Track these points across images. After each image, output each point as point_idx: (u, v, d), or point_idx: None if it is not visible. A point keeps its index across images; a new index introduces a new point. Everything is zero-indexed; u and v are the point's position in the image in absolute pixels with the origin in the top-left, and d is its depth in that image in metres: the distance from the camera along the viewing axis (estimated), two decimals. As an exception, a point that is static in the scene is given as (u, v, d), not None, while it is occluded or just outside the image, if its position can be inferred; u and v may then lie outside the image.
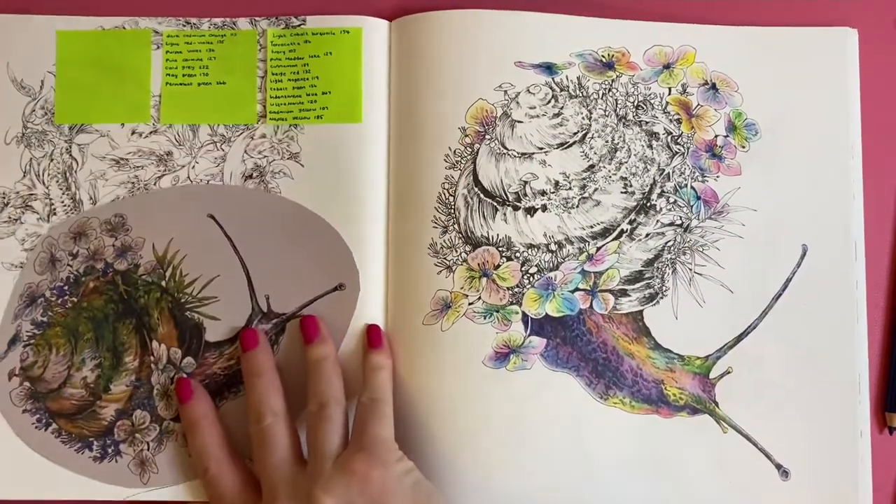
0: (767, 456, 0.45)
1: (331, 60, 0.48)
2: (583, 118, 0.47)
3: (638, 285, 0.46)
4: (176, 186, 0.48)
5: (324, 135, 0.48)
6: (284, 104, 0.48)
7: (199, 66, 0.49)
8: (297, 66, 0.49)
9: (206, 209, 0.47)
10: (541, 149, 0.47)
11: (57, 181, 0.48)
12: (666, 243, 0.47)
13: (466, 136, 0.47)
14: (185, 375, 0.46)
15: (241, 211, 0.47)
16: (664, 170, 0.47)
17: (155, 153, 0.48)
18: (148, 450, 0.46)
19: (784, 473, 0.45)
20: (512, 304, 0.46)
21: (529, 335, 0.46)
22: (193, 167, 0.48)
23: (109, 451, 0.46)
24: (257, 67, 0.49)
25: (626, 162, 0.47)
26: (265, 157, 0.48)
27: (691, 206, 0.47)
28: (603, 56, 0.48)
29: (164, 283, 0.47)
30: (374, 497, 0.39)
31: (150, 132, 0.48)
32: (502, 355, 0.45)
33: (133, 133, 0.48)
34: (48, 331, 0.46)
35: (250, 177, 0.48)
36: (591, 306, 0.46)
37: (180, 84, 0.49)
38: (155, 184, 0.48)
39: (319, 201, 0.47)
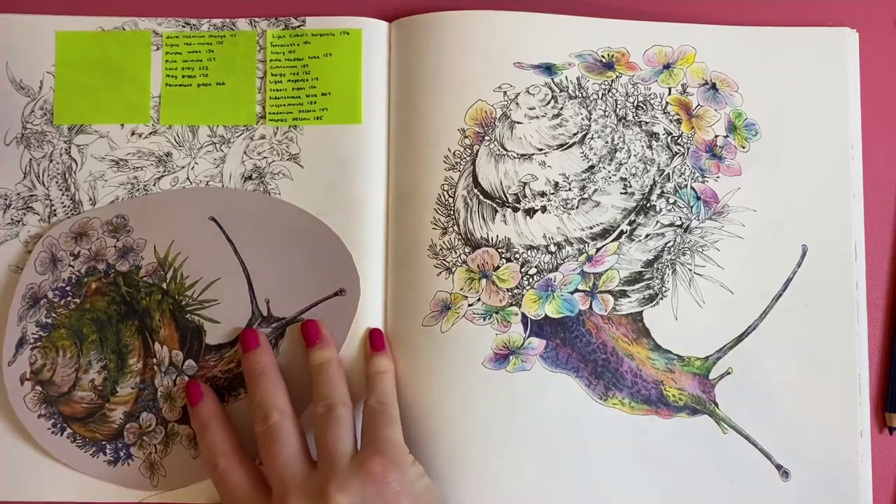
0: (767, 456, 0.45)
1: (330, 62, 0.48)
2: (582, 119, 0.47)
3: (637, 286, 0.46)
4: (178, 188, 0.48)
5: (323, 136, 0.48)
6: (284, 105, 0.48)
7: (199, 67, 0.49)
8: (297, 67, 0.49)
9: (207, 212, 0.47)
10: (540, 150, 0.47)
11: (56, 182, 0.48)
12: (666, 244, 0.47)
13: (466, 137, 0.47)
14: (187, 378, 0.46)
15: (243, 214, 0.47)
16: (664, 170, 0.47)
17: (154, 154, 0.48)
18: (156, 453, 0.46)
19: (784, 474, 0.45)
20: (511, 305, 0.46)
21: (529, 336, 0.46)
22: (193, 168, 0.48)
23: (121, 454, 0.46)
24: (257, 68, 0.49)
25: (625, 162, 0.47)
26: (265, 158, 0.48)
27: (691, 207, 0.47)
28: (603, 56, 0.48)
29: (165, 286, 0.47)
30: (390, 500, 0.39)
31: (150, 133, 0.48)
32: (502, 356, 0.45)
33: (132, 134, 0.48)
34: (53, 333, 0.46)
35: (250, 178, 0.48)
36: (590, 307, 0.46)
37: (180, 85, 0.49)
38: (154, 185, 0.48)
39: (319, 202, 0.47)
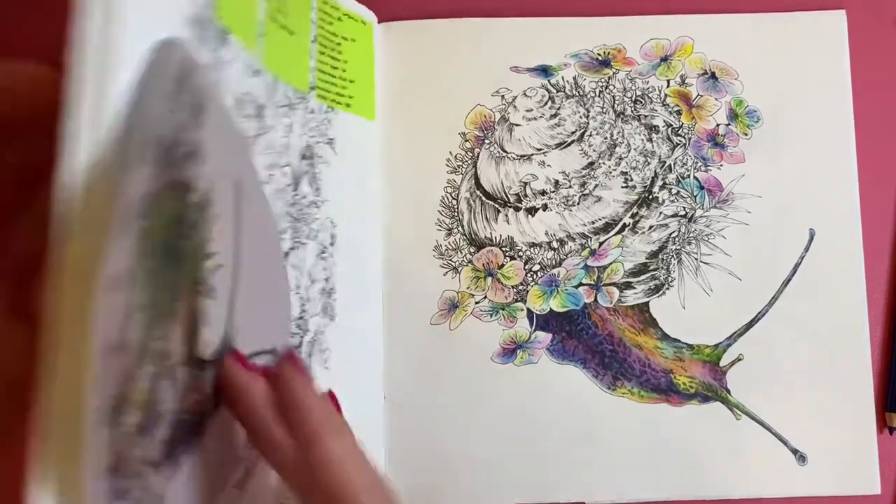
0: (783, 441, 0.44)
1: (354, 48, 0.45)
2: (580, 117, 0.48)
3: (643, 277, 0.47)
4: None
5: (349, 125, 0.45)
6: (327, 81, 0.43)
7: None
8: (333, 43, 0.43)
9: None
10: (539, 150, 0.48)
11: None
12: (670, 234, 0.47)
13: (466, 140, 0.49)
14: None
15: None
16: (665, 162, 0.48)
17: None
18: None
19: (801, 458, 0.44)
20: (517, 301, 0.47)
21: (535, 330, 0.47)
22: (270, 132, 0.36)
23: None
24: (310, 28, 0.41)
25: (625, 157, 0.48)
26: (313, 137, 0.41)
27: (695, 196, 0.47)
28: (599, 54, 0.49)
29: None
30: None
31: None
32: (509, 351, 0.47)
33: None
34: None
35: (304, 157, 0.40)
36: (595, 300, 0.47)
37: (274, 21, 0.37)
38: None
39: (345, 198, 0.43)
